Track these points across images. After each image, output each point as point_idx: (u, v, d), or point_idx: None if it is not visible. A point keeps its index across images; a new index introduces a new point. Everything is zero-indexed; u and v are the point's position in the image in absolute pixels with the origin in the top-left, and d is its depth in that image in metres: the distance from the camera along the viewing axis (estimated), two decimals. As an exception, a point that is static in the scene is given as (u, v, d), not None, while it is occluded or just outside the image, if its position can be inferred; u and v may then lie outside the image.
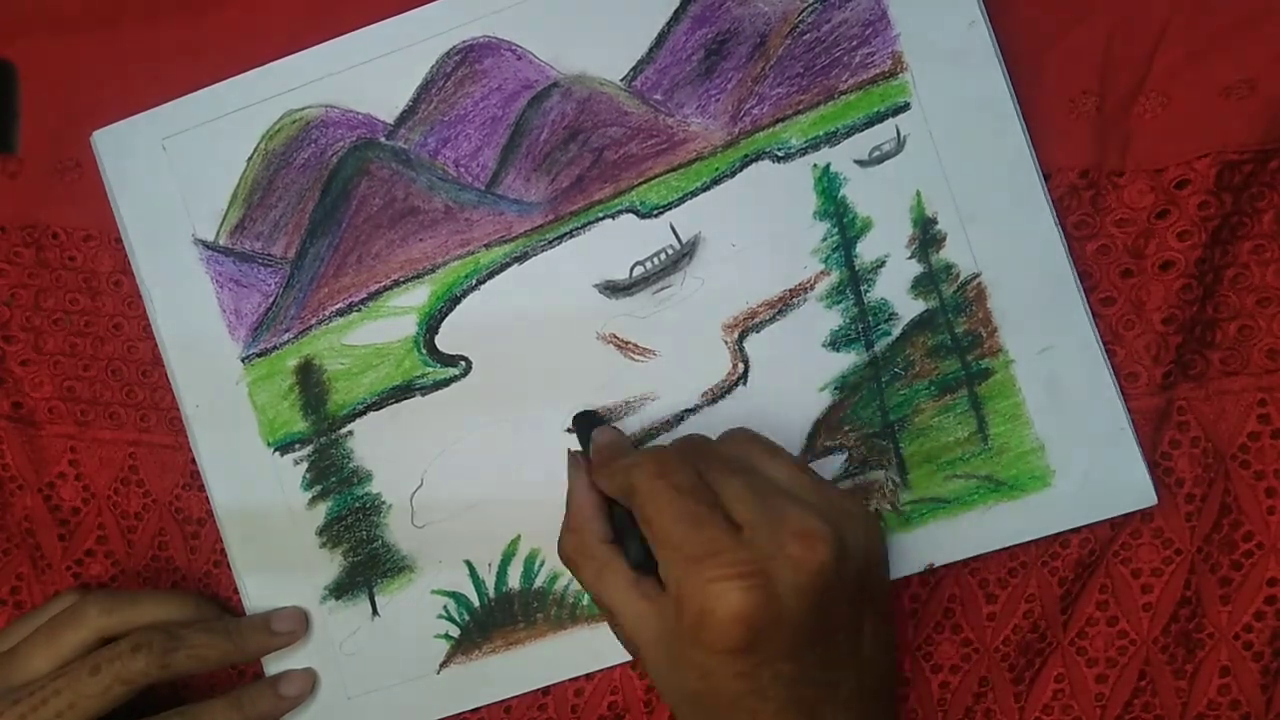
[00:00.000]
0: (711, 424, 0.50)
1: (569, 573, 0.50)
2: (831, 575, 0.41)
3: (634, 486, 0.43)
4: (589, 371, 0.50)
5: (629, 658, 0.50)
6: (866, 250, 0.49)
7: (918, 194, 0.49)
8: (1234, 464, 0.49)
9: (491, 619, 0.51)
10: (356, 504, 0.51)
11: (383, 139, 0.51)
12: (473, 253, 0.51)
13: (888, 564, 0.46)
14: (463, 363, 0.51)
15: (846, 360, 0.50)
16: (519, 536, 0.51)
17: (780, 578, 0.40)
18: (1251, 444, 0.49)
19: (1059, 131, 0.49)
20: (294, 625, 0.51)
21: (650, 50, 0.50)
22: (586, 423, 0.50)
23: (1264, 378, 0.49)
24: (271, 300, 0.51)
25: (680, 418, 0.50)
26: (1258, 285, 0.49)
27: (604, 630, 0.50)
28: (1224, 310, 0.49)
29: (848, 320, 0.50)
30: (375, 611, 0.51)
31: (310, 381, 0.51)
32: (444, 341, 0.51)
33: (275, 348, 0.51)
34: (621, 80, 0.50)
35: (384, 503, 0.51)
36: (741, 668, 0.41)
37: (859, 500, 0.48)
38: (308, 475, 0.51)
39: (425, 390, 0.51)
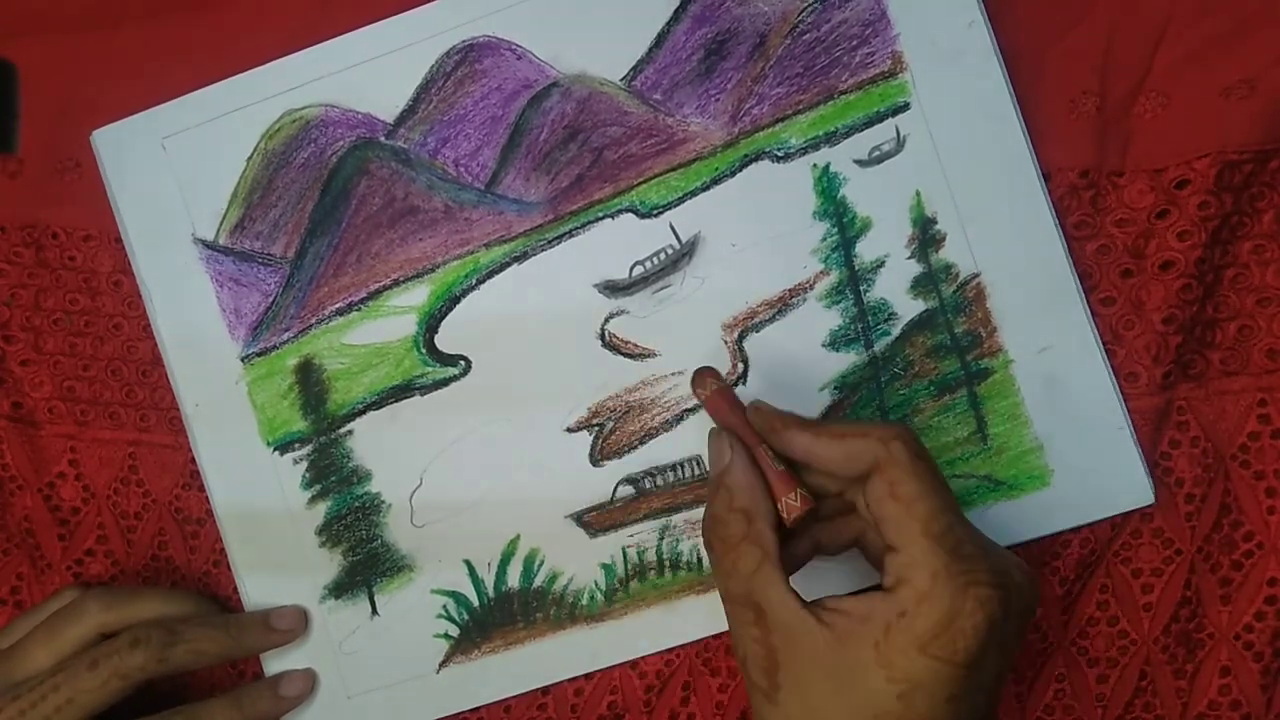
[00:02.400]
0: (711, 425, 0.50)
1: (566, 574, 0.50)
2: (1032, 614, 0.41)
3: (895, 459, 0.40)
4: (588, 371, 0.50)
5: (629, 658, 0.50)
6: (866, 250, 0.49)
7: (917, 194, 0.49)
8: (1234, 464, 0.49)
9: (491, 619, 0.51)
10: (356, 503, 0.51)
11: (382, 138, 0.51)
12: (472, 252, 0.51)
13: None
14: (462, 362, 0.51)
15: (846, 360, 0.50)
16: (518, 536, 0.51)
17: (1013, 600, 0.39)
18: (1251, 444, 0.49)
19: (1059, 131, 0.49)
20: (293, 623, 0.51)
21: (650, 50, 0.50)
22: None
23: (1264, 378, 0.49)
24: (271, 299, 0.51)
25: (680, 418, 0.50)
26: (1258, 285, 0.49)
27: (603, 630, 0.50)
28: (1224, 310, 0.49)
29: (847, 320, 0.50)
30: (375, 611, 0.51)
31: (310, 381, 0.51)
32: (443, 341, 0.51)
33: (275, 347, 0.52)
34: (621, 80, 0.50)
35: (383, 502, 0.51)
36: (955, 689, 0.39)
37: None
38: (307, 474, 0.51)
39: (425, 390, 0.51)
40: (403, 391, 0.51)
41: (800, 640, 0.40)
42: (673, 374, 0.50)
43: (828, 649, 0.39)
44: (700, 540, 0.50)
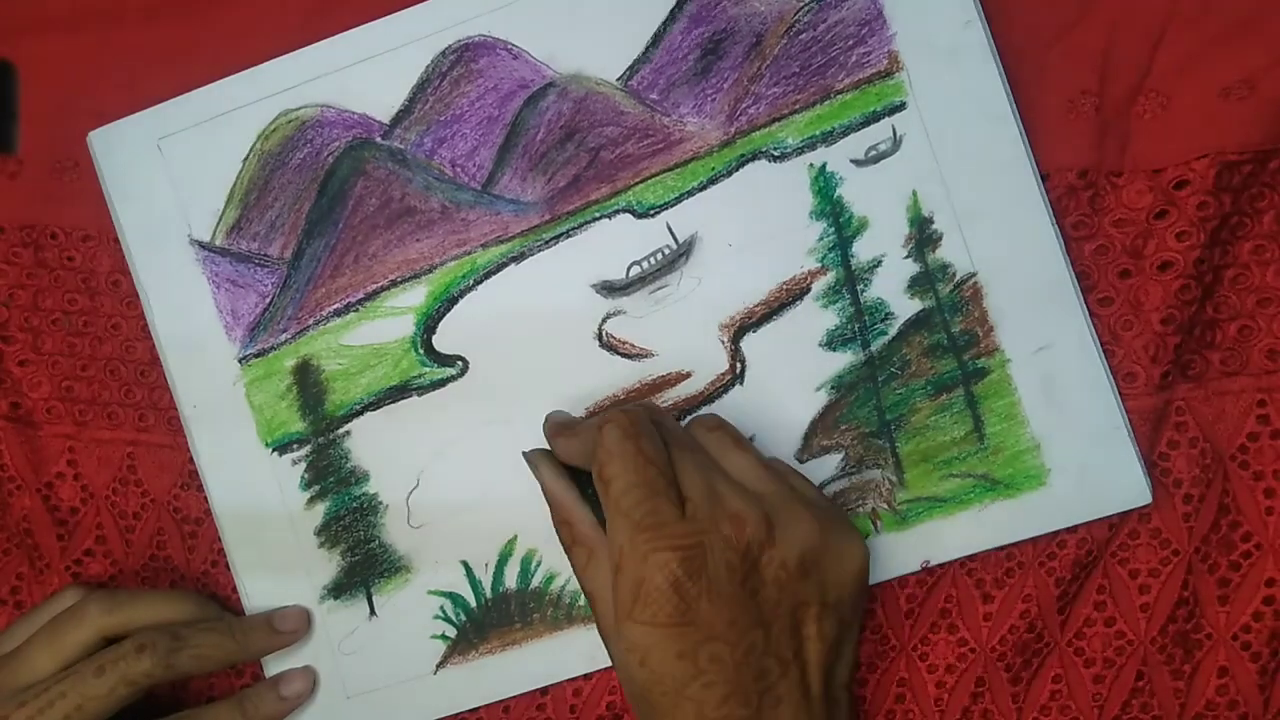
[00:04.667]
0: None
1: (564, 574, 0.50)
2: (757, 558, 0.42)
3: (602, 443, 0.43)
4: (585, 371, 0.50)
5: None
6: (863, 250, 0.49)
7: (914, 193, 0.49)
8: (1233, 464, 0.49)
9: (488, 619, 0.51)
10: (354, 504, 0.51)
11: (379, 139, 0.51)
12: (469, 253, 0.51)
13: (856, 584, 0.45)
14: (460, 363, 0.51)
15: (843, 360, 0.49)
16: (515, 537, 0.51)
17: (712, 554, 0.41)
18: (1250, 444, 0.49)
19: (1057, 132, 0.49)
20: (297, 625, 0.51)
21: (646, 49, 0.50)
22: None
23: (1264, 378, 0.49)
24: (269, 301, 0.51)
25: (677, 419, 0.50)
26: (1258, 285, 0.49)
27: (600, 630, 0.50)
28: (1224, 310, 0.49)
29: (844, 320, 0.49)
30: (373, 611, 0.51)
31: (308, 382, 0.52)
32: (441, 342, 0.51)
33: (272, 348, 0.52)
34: (618, 80, 0.50)
35: (381, 503, 0.51)
36: (679, 646, 0.41)
37: (832, 510, 0.47)
38: (306, 475, 0.52)
39: (422, 390, 0.51)
40: (400, 392, 0.51)
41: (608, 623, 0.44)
42: (670, 374, 0.50)
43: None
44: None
